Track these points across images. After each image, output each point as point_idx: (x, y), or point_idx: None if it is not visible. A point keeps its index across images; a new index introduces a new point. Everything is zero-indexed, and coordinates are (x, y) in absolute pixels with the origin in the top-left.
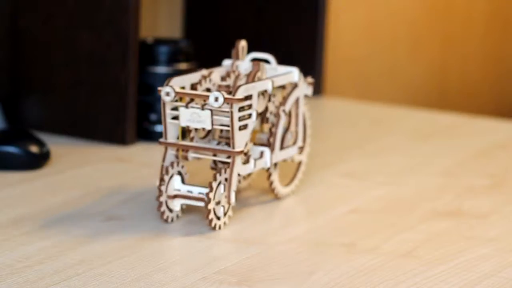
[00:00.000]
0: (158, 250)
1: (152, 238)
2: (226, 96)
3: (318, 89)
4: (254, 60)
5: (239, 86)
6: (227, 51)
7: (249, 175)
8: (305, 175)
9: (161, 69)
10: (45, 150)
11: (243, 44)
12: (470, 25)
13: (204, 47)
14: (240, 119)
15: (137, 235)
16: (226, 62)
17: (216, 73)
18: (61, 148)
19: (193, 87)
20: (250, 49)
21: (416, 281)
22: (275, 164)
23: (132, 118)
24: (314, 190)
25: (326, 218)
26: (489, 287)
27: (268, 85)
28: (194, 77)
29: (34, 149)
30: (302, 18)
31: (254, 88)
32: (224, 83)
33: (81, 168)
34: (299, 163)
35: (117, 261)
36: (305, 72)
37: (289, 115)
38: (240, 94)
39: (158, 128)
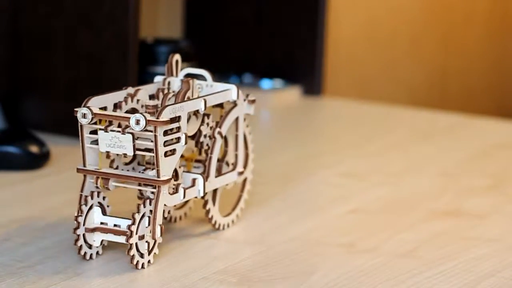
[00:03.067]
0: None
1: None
2: (149, 118)
3: (318, 89)
4: (187, 77)
5: (164, 107)
6: (227, 51)
7: (186, 202)
8: (305, 175)
9: (161, 69)
10: (45, 150)
11: (177, 58)
12: (470, 25)
13: (204, 47)
14: (166, 143)
15: None
16: (158, 78)
17: (144, 91)
18: (61, 148)
19: (118, 106)
20: (250, 49)
21: (416, 281)
22: (216, 190)
23: None
24: (314, 190)
25: (326, 218)
26: (489, 287)
27: (199, 105)
28: (118, 95)
29: (34, 149)
30: (302, 18)
31: (182, 109)
32: (152, 102)
33: None
34: (244, 182)
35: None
36: (305, 72)
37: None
38: (165, 116)
39: None
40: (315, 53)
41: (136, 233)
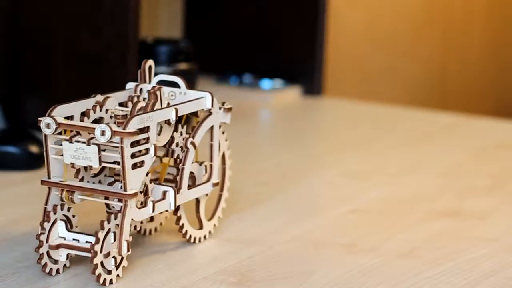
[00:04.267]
0: None
1: None
2: (115, 129)
3: (318, 89)
4: (158, 83)
5: (132, 117)
6: (227, 51)
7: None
8: (306, 175)
9: (161, 69)
10: None
11: (150, 63)
12: (469, 25)
13: (204, 47)
14: (133, 155)
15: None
16: (129, 85)
17: (113, 99)
18: None
19: (85, 115)
20: (250, 49)
21: (416, 281)
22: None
23: None
24: (314, 190)
25: (326, 218)
26: (489, 287)
27: (170, 114)
28: (86, 104)
29: (34, 149)
30: (302, 18)
31: (151, 119)
32: (121, 111)
33: None
34: (219, 198)
35: None
36: (305, 72)
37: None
38: (132, 126)
39: None
40: (315, 53)
41: (101, 252)
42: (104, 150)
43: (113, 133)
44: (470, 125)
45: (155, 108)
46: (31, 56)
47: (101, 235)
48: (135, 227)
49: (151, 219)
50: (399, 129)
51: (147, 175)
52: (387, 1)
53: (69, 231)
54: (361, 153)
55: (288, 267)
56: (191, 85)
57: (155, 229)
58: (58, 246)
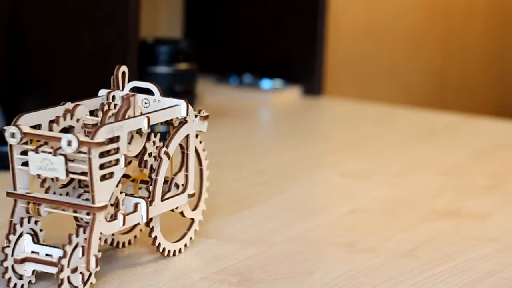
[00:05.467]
0: None
1: None
2: (82, 139)
3: (318, 89)
4: (133, 90)
5: (100, 126)
6: (227, 52)
7: (134, 226)
8: (306, 175)
9: (161, 69)
10: None
11: (123, 69)
12: (469, 24)
13: (204, 47)
14: (102, 166)
15: None
16: (102, 92)
17: (83, 107)
18: None
19: (55, 123)
20: (250, 49)
21: (416, 281)
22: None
23: None
24: (314, 190)
25: (326, 218)
26: (489, 287)
27: (142, 123)
28: (55, 112)
29: None
30: (302, 18)
31: (121, 128)
32: (91, 120)
33: None
34: (191, 221)
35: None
36: (305, 72)
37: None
38: (100, 136)
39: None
40: (315, 53)
41: (68, 266)
42: (72, 161)
43: (80, 143)
44: (470, 125)
45: (127, 115)
46: (31, 56)
47: (68, 248)
48: (105, 241)
49: (130, 230)
50: (399, 129)
51: (117, 186)
52: (387, 1)
53: (36, 244)
54: (361, 153)
55: (288, 267)
56: (191, 85)
57: (129, 241)
58: (23, 260)
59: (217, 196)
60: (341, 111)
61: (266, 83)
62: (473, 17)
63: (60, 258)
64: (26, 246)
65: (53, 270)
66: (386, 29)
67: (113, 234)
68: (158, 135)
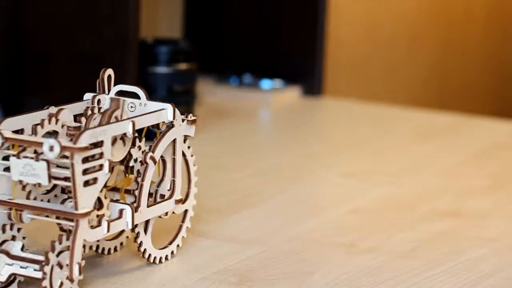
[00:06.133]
0: None
1: None
2: (64, 144)
3: (318, 89)
4: (118, 94)
5: (83, 131)
6: (227, 51)
7: (120, 233)
8: (305, 175)
9: (161, 69)
10: None
11: (109, 73)
12: (469, 25)
13: (204, 47)
14: (85, 172)
15: None
16: (87, 96)
17: (68, 111)
18: None
19: (38, 128)
20: (250, 49)
21: (416, 281)
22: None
23: None
24: (314, 190)
25: (326, 218)
26: (489, 287)
27: (127, 128)
28: (38, 116)
29: None
30: (302, 18)
31: (105, 133)
32: (75, 124)
33: None
34: (183, 218)
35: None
36: (305, 72)
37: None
38: (83, 141)
39: None
40: (315, 53)
41: (51, 274)
42: (56, 166)
43: (63, 148)
44: (470, 125)
45: (113, 116)
46: (31, 56)
47: (51, 256)
48: (90, 247)
49: (116, 236)
50: (399, 129)
51: (101, 191)
52: (387, 2)
53: (20, 251)
54: (361, 153)
55: (288, 267)
56: (191, 86)
57: (115, 248)
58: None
59: (217, 196)
60: (341, 111)
61: (266, 83)
62: (473, 17)
63: (42, 266)
64: (12, 251)
65: (37, 274)
66: (386, 30)
67: (98, 240)
68: (144, 140)
